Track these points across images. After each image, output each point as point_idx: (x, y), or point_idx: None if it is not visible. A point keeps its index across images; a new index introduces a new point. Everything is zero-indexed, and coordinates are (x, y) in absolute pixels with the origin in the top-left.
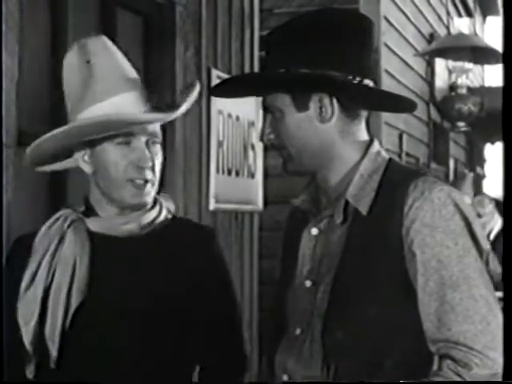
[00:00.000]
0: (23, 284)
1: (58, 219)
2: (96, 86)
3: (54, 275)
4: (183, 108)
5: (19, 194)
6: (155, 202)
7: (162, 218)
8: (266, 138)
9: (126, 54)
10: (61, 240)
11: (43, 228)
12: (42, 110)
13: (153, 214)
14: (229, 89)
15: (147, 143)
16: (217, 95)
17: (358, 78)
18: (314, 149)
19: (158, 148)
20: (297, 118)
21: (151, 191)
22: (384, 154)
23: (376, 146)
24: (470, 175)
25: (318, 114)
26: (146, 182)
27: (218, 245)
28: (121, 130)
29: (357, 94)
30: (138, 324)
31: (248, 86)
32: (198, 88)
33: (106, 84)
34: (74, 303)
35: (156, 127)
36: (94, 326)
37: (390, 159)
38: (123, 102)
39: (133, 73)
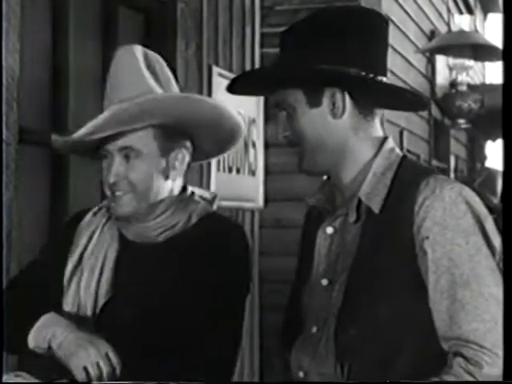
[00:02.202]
0: (67, 273)
1: (100, 208)
2: (105, 94)
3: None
4: (81, 132)
5: (20, 192)
6: (178, 206)
7: (182, 223)
8: (282, 136)
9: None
10: (100, 233)
11: (89, 215)
12: (43, 108)
13: (172, 220)
14: (242, 86)
15: (119, 155)
16: (231, 92)
17: (371, 75)
18: (327, 145)
19: (136, 160)
20: (310, 115)
21: (130, 203)
22: (398, 151)
23: (390, 142)
24: (499, 172)
25: (331, 109)
26: (125, 193)
27: (242, 248)
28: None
29: (370, 89)
30: (153, 334)
31: (261, 82)
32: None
33: (105, 96)
34: (100, 303)
35: (129, 141)
36: (113, 325)
37: (404, 156)
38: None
39: (130, 85)
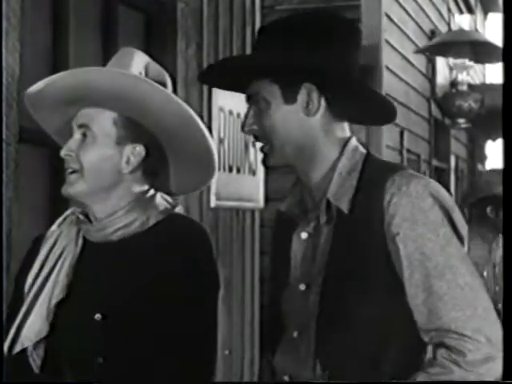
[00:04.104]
0: (28, 282)
1: (66, 218)
2: None
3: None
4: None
5: (20, 192)
6: (136, 204)
7: (139, 223)
8: (248, 129)
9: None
10: (62, 238)
11: (53, 226)
12: None
13: (127, 218)
14: (217, 74)
15: (77, 132)
16: (203, 82)
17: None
18: (297, 142)
19: (90, 140)
20: (283, 110)
21: (77, 182)
22: (361, 149)
23: (353, 142)
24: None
25: (305, 107)
26: (73, 172)
27: (204, 246)
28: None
29: (343, 88)
30: (121, 334)
31: (238, 69)
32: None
33: None
34: (52, 303)
35: (87, 120)
36: (80, 335)
37: (368, 154)
38: None
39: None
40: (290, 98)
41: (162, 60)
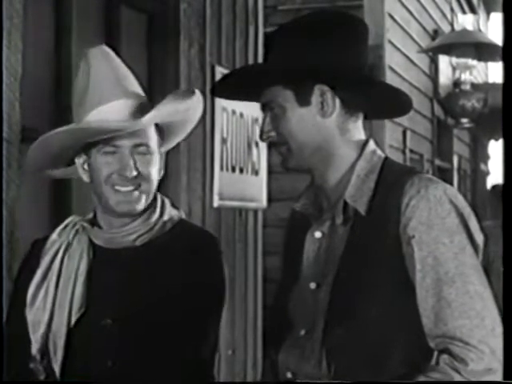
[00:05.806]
0: (30, 292)
1: (66, 226)
2: (91, 93)
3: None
4: (151, 114)
5: (22, 192)
6: (153, 210)
7: (158, 227)
8: (266, 136)
9: (126, 62)
10: (67, 249)
11: (53, 235)
12: (46, 107)
13: (147, 225)
14: (229, 86)
15: (133, 151)
16: (219, 94)
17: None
18: (315, 143)
19: (149, 156)
20: (299, 113)
21: (141, 199)
22: (379, 152)
23: (371, 145)
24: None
25: (320, 108)
26: (135, 189)
27: (215, 255)
28: (99, 137)
29: (357, 86)
30: (130, 338)
31: (250, 80)
32: (194, 94)
33: (99, 91)
34: (73, 318)
35: (146, 136)
36: (91, 340)
37: (386, 158)
38: (113, 109)
39: (129, 80)
40: (303, 100)
41: (164, 60)
